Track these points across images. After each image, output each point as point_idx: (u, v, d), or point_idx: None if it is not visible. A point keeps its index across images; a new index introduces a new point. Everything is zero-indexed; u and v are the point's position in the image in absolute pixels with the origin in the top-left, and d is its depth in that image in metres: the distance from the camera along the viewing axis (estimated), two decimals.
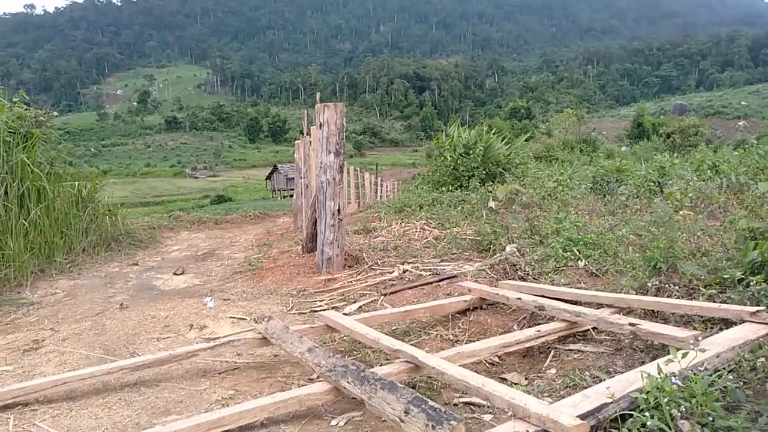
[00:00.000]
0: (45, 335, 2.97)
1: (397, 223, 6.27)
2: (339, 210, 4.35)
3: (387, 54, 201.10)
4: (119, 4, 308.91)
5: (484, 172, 8.88)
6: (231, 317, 3.27)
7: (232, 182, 75.25)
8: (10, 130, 6.78)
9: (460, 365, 1.91)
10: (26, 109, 7.54)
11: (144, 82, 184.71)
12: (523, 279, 3.28)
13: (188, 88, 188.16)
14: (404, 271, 3.93)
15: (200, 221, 12.66)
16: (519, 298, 2.65)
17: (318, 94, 5.91)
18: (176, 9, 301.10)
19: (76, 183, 7.68)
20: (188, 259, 7.10)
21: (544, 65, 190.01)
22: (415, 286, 3.50)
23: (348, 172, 12.75)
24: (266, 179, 63.32)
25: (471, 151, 9.04)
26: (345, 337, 2.67)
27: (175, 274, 5.93)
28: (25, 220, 6.18)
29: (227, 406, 1.86)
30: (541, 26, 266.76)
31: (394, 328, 2.78)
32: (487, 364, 2.26)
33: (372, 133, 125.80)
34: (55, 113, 9.04)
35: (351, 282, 3.94)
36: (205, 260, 6.96)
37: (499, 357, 2.32)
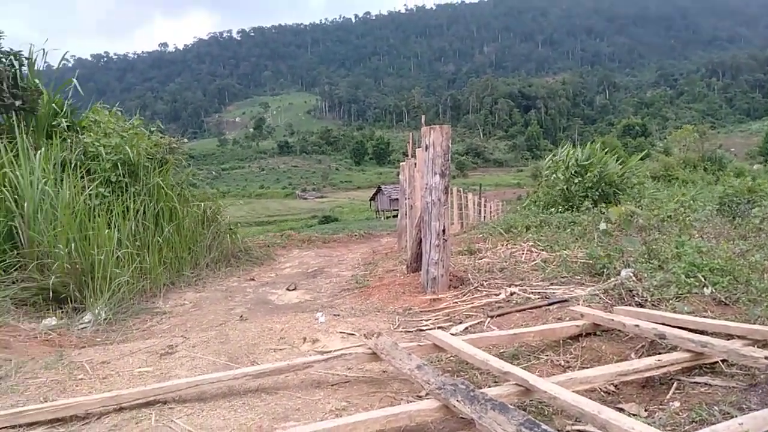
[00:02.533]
0: (177, 342, 3.27)
1: (502, 245, 6.18)
2: (444, 230, 4.39)
3: (491, 74, 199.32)
4: (239, 38, 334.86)
5: (597, 192, 8.51)
6: (341, 332, 3.40)
7: (338, 203, 77.97)
8: (148, 156, 7.58)
9: (572, 392, 1.86)
10: (161, 137, 8.41)
11: (259, 109, 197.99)
12: (640, 305, 3.11)
13: (299, 114, 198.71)
14: (511, 294, 3.87)
15: (310, 240, 13.24)
16: (637, 325, 2.52)
17: (423, 117, 6.01)
18: (289, 40, 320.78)
19: (202, 204, 8.39)
20: (299, 276, 7.45)
21: (661, 79, 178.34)
22: (523, 309, 3.43)
23: (451, 193, 12.76)
24: (370, 200, 64.95)
25: (585, 171, 8.70)
26: (452, 357, 2.68)
27: (288, 289, 6.26)
28: (159, 237, 6.84)
29: (340, 416, 1.95)
30: (657, 38, 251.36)
31: (501, 350, 2.74)
32: (602, 393, 2.16)
33: (475, 154, 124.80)
34: (185, 140, 9.97)
35: (456, 303, 3.95)
36: (315, 277, 7.27)
37: (615, 386, 2.21)
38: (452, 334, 2.76)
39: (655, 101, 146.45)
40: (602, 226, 4.96)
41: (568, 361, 2.54)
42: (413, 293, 4.50)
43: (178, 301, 5.98)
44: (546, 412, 1.99)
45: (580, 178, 8.68)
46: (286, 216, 64.99)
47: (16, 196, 5.17)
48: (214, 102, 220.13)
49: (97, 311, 4.77)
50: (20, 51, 6.95)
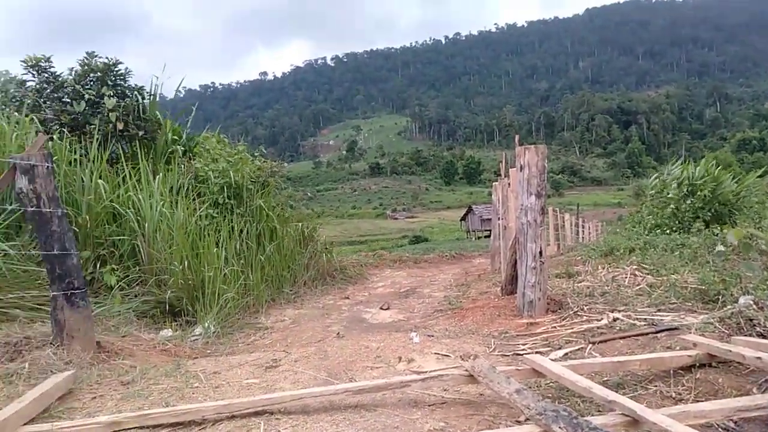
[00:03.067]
0: (280, 356, 3.43)
1: (603, 268, 5.91)
2: (541, 252, 4.29)
3: (586, 89, 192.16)
4: (332, 64, 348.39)
5: (709, 213, 7.92)
6: (436, 353, 3.41)
7: (428, 223, 78.02)
8: (251, 179, 8.06)
9: (686, 426, 1.75)
10: (264, 162, 8.92)
11: (352, 132, 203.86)
12: (763, 336, 2.86)
13: (390, 136, 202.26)
14: (614, 320, 3.70)
15: (401, 260, 13.37)
16: (759, 358, 2.32)
17: (516, 137, 5.95)
18: (380, 64, 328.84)
19: (300, 224, 8.78)
20: (392, 296, 7.55)
21: None
22: (628, 336, 3.27)
23: (546, 213, 12.36)
24: (461, 220, 64.40)
25: (696, 190, 8.13)
26: (551, 384, 2.61)
27: (381, 308, 6.36)
28: (262, 255, 7.22)
29: None
30: None
31: (605, 378, 2.63)
32: (720, 429, 2.02)
33: (571, 172, 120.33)
34: (285, 164, 10.52)
35: (555, 327, 3.83)
36: (407, 297, 7.34)
37: (735, 422, 2.05)
38: (552, 360, 2.68)
39: None
40: (719, 248, 4.62)
41: (679, 393, 2.39)
42: (509, 316, 4.42)
43: (279, 317, 6.27)
44: None
45: (691, 198, 8.12)
46: (377, 236, 66.03)
47: (138, 217, 5.68)
48: (310, 126, 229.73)
49: (206, 325, 5.12)
50: (143, 86, 7.70)
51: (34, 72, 7.10)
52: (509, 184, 6.95)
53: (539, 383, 2.63)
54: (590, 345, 3.26)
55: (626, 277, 5.15)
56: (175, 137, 8.02)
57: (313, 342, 4.38)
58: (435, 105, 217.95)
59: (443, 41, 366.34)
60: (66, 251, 3.55)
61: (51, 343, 3.49)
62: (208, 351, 4.48)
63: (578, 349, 3.21)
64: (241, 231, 7.10)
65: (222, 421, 2.24)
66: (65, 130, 6.47)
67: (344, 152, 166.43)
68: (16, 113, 6.00)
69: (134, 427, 2.19)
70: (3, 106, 6.20)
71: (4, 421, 2.09)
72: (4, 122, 5.55)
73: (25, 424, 2.21)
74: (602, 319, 3.80)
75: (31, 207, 3.48)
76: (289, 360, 3.30)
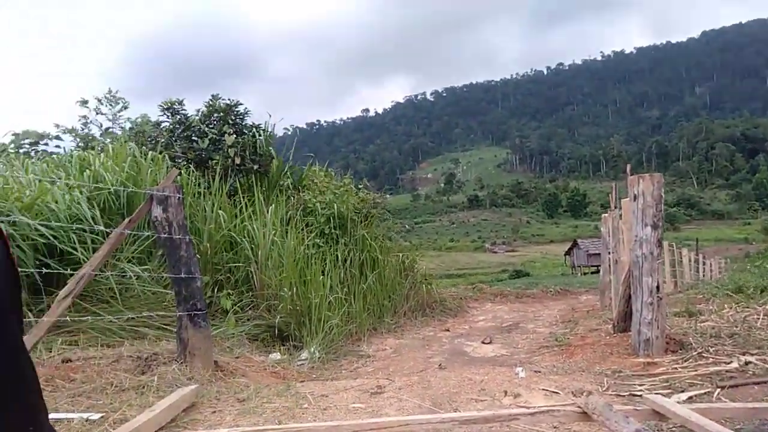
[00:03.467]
0: (384, 383, 3.47)
1: (730, 307, 5.40)
2: (658, 287, 4.02)
3: (704, 116, 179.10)
4: (432, 99, 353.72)
5: None
6: (543, 389, 3.28)
7: (530, 257, 75.58)
8: (355, 210, 8.33)
9: None
10: (367, 194, 9.20)
11: (450, 165, 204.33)
12: None
13: (489, 168, 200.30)
14: (746, 363, 3.36)
15: (502, 294, 13.03)
16: None
17: (628, 166, 5.68)
18: (479, 97, 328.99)
19: (401, 254, 8.89)
20: (494, 330, 7.37)
21: None
22: (764, 382, 2.95)
23: (662, 248, 11.54)
24: (565, 254, 61.73)
25: None
26: (674, 428, 2.41)
27: (483, 342, 6.24)
28: (364, 284, 7.39)
29: None
30: None
31: (738, 426, 2.39)
32: None
33: (688, 205, 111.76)
34: (387, 196, 10.77)
35: (676, 368, 3.54)
36: (510, 332, 7.13)
37: None
38: (676, 402, 2.49)
39: None
40: None
41: None
42: (622, 355, 4.15)
43: (380, 346, 6.34)
44: None
45: None
46: (476, 269, 64.89)
47: (252, 245, 6.06)
48: (408, 160, 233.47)
49: (312, 350, 5.30)
50: (259, 124, 8.31)
51: (169, 114, 7.92)
52: (620, 215, 6.61)
53: (660, 427, 2.45)
54: (718, 389, 2.98)
55: (759, 318, 4.66)
56: (285, 171, 8.51)
57: (415, 372, 4.39)
58: (536, 136, 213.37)
59: (545, 72, 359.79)
60: (192, 275, 3.87)
61: (176, 360, 3.78)
62: (314, 375, 4.62)
63: (704, 393, 2.95)
64: (345, 260, 7.32)
65: None
66: (191, 165, 7.11)
67: (442, 185, 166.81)
68: (151, 151, 6.69)
69: None
70: (141, 146, 6.94)
71: (140, 426, 2.30)
72: (141, 159, 6.23)
73: (156, 430, 2.41)
74: (731, 362, 3.46)
75: (164, 234, 3.85)
76: (393, 387, 3.33)
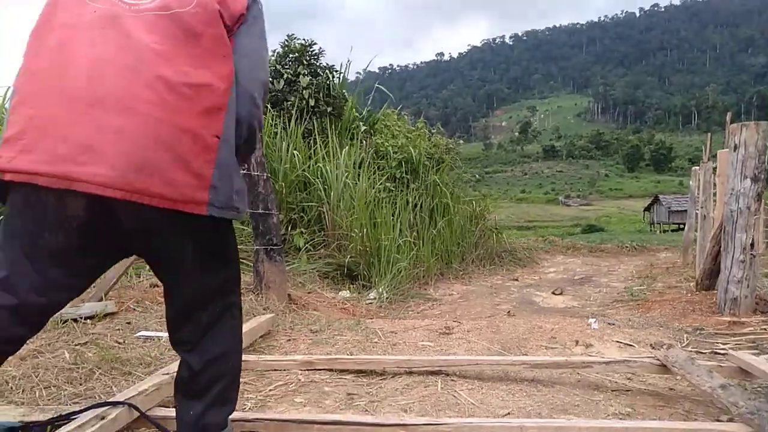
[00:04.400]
0: (452, 325, 3.49)
1: None
2: (752, 244, 3.75)
3: None
4: (511, 43, 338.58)
5: None
6: (617, 341, 3.19)
7: (605, 212, 72.69)
8: (427, 155, 8.24)
9: None
10: (440, 138, 9.05)
11: (526, 113, 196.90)
12: None
13: (567, 117, 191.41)
14: None
15: (574, 247, 12.69)
16: None
17: (728, 115, 5.22)
18: (563, 41, 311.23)
19: (473, 202, 8.78)
20: (564, 282, 7.22)
21: None
22: None
23: (761, 203, 10.68)
24: (644, 211, 58.84)
25: None
26: (760, 387, 2.29)
27: (553, 293, 6.13)
28: (433, 230, 7.39)
29: (625, 420, 1.85)
30: None
31: None
32: None
33: None
34: (461, 141, 10.53)
35: (765, 329, 3.33)
36: (582, 284, 6.96)
37: None
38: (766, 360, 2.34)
39: None
40: None
41: None
42: (705, 313, 3.95)
43: (447, 291, 6.38)
44: None
45: None
46: (547, 222, 63.32)
47: (325, 186, 6.16)
48: (483, 107, 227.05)
49: (380, 290, 5.41)
50: (333, 66, 8.27)
51: None
52: (714, 169, 6.15)
53: (744, 385, 2.32)
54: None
55: None
56: (357, 114, 8.49)
57: (483, 317, 4.39)
58: (622, 84, 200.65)
59: (637, 13, 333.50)
60: (268, 211, 3.99)
61: (252, 291, 3.97)
62: (382, 314, 4.74)
63: None
64: (416, 205, 7.32)
65: (401, 375, 2.35)
66: (268, 105, 7.23)
67: (517, 134, 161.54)
68: None
69: (323, 369, 2.41)
70: None
71: None
72: None
73: None
74: None
75: (243, 170, 3.97)
76: (462, 330, 3.35)
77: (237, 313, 1.46)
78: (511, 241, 10.31)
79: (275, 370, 2.40)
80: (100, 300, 3.28)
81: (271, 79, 7.82)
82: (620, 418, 1.89)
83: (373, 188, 6.67)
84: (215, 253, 1.36)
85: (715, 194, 6.01)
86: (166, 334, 2.94)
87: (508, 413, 1.96)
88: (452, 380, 2.30)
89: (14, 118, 1.18)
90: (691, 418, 1.96)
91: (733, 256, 3.79)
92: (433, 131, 9.21)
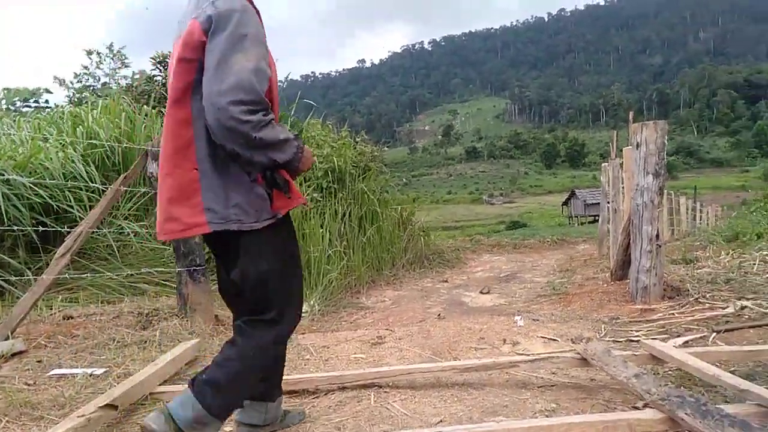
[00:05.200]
0: (385, 333, 3.52)
1: (727, 254, 5.43)
2: (657, 235, 4.02)
3: (707, 63, 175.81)
4: (430, 48, 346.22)
5: None
6: (542, 337, 3.32)
7: (527, 208, 75.69)
8: (353, 164, 8.25)
9: None
10: (365, 147, 9.09)
11: (448, 117, 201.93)
12: None
13: (487, 119, 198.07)
14: (742, 308, 3.39)
15: (499, 245, 13.11)
16: None
17: (631, 114, 5.58)
18: (478, 46, 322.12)
19: (399, 207, 8.88)
20: (491, 280, 7.44)
21: None
22: (759, 326, 2.99)
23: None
24: (563, 205, 61.87)
25: None
26: (670, 371, 2.46)
27: (481, 292, 6.29)
28: (363, 238, 7.41)
29: (551, 417, 1.92)
30: None
31: (732, 368, 2.43)
32: None
33: (687, 153, 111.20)
34: (385, 149, 10.64)
35: (672, 314, 3.58)
36: (507, 282, 7.20)
37: None
38: (673, 347, 2.52)
39: None
40: None
41: None
42: (620, 302, 4.20)
43: (379, 297, 6.40)
44: None
45: None
46: (473, 221, 65.05)
47: None
48: (406, 112, 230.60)
49: (312, 303, 5.35)
50: None
51: (162, 67, 7.73)
52: (621, 164, 6.56)
53: (657, 370, 2.49)
54: (714, 333, 3.02)
55: (755, 264, 4.70)
56: (283, 124, 8.36)
57: (415, 322, 4.43)
58: (536, 86, 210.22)
59: (546, 18, 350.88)
60: None
61: (176, 315, 3.82)
62: (314, 327, 4.68)
63: (700, 338, 2.99)
64: (344, 214, 7.30)
65: (334, 392, 2.33)
66: None
67: (440, 137, 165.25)
68: (145, 106, 6.56)
69: None
70: (134, 101, 6.80)
71: (144, 379, 2.32)
72: (136, 115, 6.12)
73: (160, 384, 2.44)
74: (728, 307, 3.50)
75: (154, 191, 3.81)
76: (394, 337, 3.37)
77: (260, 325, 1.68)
78: (439, 242, 10.51)
79: None
80: (7, 339, 3.03)
81: None
82: (546, 415, 1.96)
83: None
84: (232, 259, 1.62)
85: (623, 188, 6.40)
86: (82, 370, 2.77)
87: (441, 420, 1.99)
88: (385, 392, 2.31)
89: None
90: (611, 407, 2.07)
91: (641, 247, 4.05)
92: (357, 139, 9.23)
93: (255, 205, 1.53)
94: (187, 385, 1.64)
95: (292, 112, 9.15)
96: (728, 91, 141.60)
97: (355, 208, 7.73)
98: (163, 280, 4.83)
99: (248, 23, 1.47)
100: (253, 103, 1.41)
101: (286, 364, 2.87)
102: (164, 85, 7.59)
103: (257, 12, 1.56)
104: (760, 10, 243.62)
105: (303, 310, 5.18)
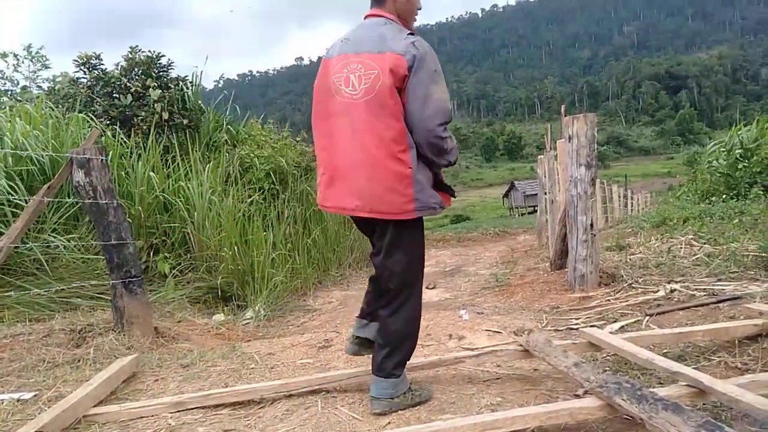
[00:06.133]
0: (332, 336, 3.48)
1: (656, 239, 5.72)
2: (592, 224, 4.17)
3: (632, 56, 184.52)
4: None
5: None
6: (486, 330, 3.39)
7: (469, 201, 77.10)
8: (295, 165, 8.14)
9: (756, 395, 1.67)
10: (306, 147, 8.98)
11: None
12: None
13: None
14: (672, 291, 3.57)
15: (444, 239, 13.32)
16: None
17: (562, 107, 5.77)
18: None
19: None
20: (437, 275, 7.53)
21: None
22: (688, 308, 3.15)
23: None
24: (503, 197, 63.44)
25: (751, 155, 7.73)
26: (608, 357, 2.55)
27: (427, 288, 6.35)
28: (308, 239, 7.32)
29: (496, 411, 1.95)
30: None
31: (665, 350, 2.55)
32: None
33: (617, 143, 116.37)
34: None
35: (608, 300, 3.73)
36: (453, 276, 7.31)
37: None
38: (609, 333, 2.61)
39: None
40: None
41: (746, 363, 2.29)
42: (559, 291, 4.34)
43: (326, 299, 6.35)
44: (724, 418, 1.82)
45: (745, 163, 7.72)
46: None
47: (187, 206, 5.83)
48: None
49: (257, 308, 5.24)
50: (186, 77, 7.85)
51: (86, 69, 7.34)
52: (556, 156, 6.77)
53: (595, 357, 2.58)
54: (647, 317, 3.16)
55: (682, 248, 4.97)
56: (218, 126, 8.14)
57: None
58: (473, 80, 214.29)
59: (480, 14, 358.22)
60: (123, 241, 3.67)
61: (113, 330, 3.64)
62: (260, 333, 4.58)
63: (635, 322, 3.13)
64: (288, 216, 7.19)
65: (280, 400, 2.29)
66: (116, 124, 6.67)
67: None
68: (69, 111, 6.21)
69: (197, 407, 2.27)
70: (58, 105, 6.43)
71: (77, 402, 2.20)
72: (60, 120, 5.78)
73: (95, 405, 2.31)
74: (658, 290, 3.68)
75: (89, 199, 3.61)
76: (341, 340, 3.34)
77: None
78: None
79: (141, 417, 2.21)
80: None
81: (117, 95, 7.24)
82: (492, 410, 1.99)
83: (242, 203, 6.44)
84: (397, 245, 2.10)
85: (559, 180, 6.61)
86: (8, 396, 2.58)
87: (389, 423, 1.98)
88: (333, 397, 2.28)
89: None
90: (553, 397, 2.13)
91: (577, 237, 4.19)
92: (298, 139, 9.10)
93: (438, 198, 2.09)
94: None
95: (230, 112, 8.94)
96: (652, 83, 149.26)
97: (299, 209, 7.63)
98: (97, 294, 4.60)
99: (437, 61, 2.04)
100: (447, 123, 1.98)
101: (230, 374, 2.81)
102: (90, 87, 7.22)
103: None
104: (675, 5, 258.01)
105: (247, 316, 5.06)
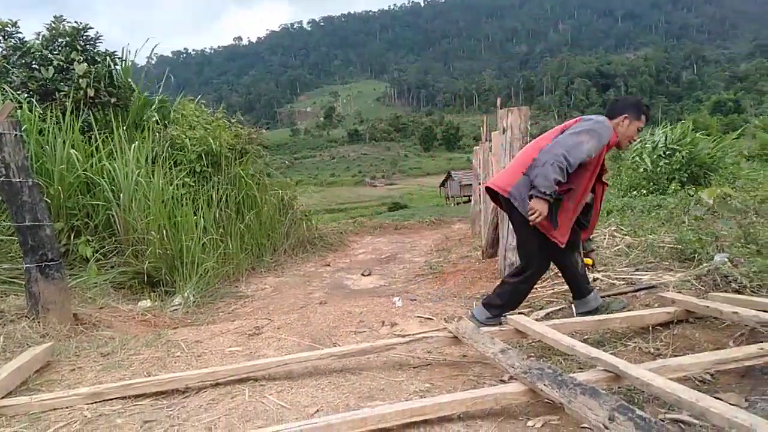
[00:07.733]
0: (263, 323, 3.42)
1: None
2: None
3: (566, 53, 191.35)
4: (309, 28, 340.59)
5: (685, 174, 8.01)
6: (418, 317, 3.43)
7: (407, 190, 77.95)
8: (229, 147, 7.88)
9: (665, 379, 1.78)
10: (241, 128, 8.71)
11: (330, 98, 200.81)
12: (738, 292, 2.92)
13: (368, 102, 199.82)
14: (594, 280, 3.74)
15: (381, 226, 13.36)
16: (736, 312, 2.37)
17: (498, 100, 5.90)
18: (358, 28, 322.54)
19: (279, 191, 8.67)
20: (373, 262, 7.56)
21: (757, 50, 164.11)
22: (608, 296, 3.32)
23: None
24: (440, 186, 64.51)
25: (672, 152, 8.20)
26: (534, 343, 2.64)
27: (362, 275, 6.37)
28: (241, 224, 7.14)
29: (424, 397, 1.98)
30: (753, 6, 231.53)
31: (585, 337, 2.67)
32: (697, 382, 2.06)
33: None
34: (263, 131, 10.29)
35: (536, 289, 3.86)
36: (388, 263, 7.35)
37: (711, 375, 2.10)
38: (534, 320, 2.71)
39: (750, 75, 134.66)
40: (694, 209, 4.69)
41: (658, 349, 2.43)
42: (490, 279, 4.45)
43: (260, 285, 6.24)
44: (637, 400, 1.92)
45: (666, 160, 8.20)
46: (357, 203, 65.79)
47: (113, 187, 5.54)
48: (286, 93, 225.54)
49: (186, 294, 5.07)
50: (115, 52, 7.40)
51: (1, 38, 6.77)
52: (491, 148, 6.92)
53: (522, 343, 2.66)
54: (571, 305, 3.30)
55: (605, 239, 5.20)
56: (149, 104, 7.75)
57: (296, 309, 4.37)
58: (414, 70, 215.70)
59: (422, 3, 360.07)
60: (38, 222, 3.45)
61: (26, 316, 3.42)
62: (189, 320, 4.44)
63: (559, 309, 3.26)
64: (220, 199, 6.98)
65: (206, 389, 2.22)
66: (34, 98, 6.21)
67: (322, 119, 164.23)
68: None
69: (116, 398, 2.16)
70: None
71: None
72: None
73: (2, 397, 2.16)
74: None
75: (0, 177, 3.35)
76: (272, 327, 3.29)
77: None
78: (322, 225, 10.45)
79: (54, 409, 2.08)
80: None
81: (37, 67, 6.74)
82: (420, 396, 2.02)
83: (171, 185, 6.18)
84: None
85: (493, 171, 6.76)
86: None
87: (318, 410, 1.96)
88: (261, 385, 2.24)
89: None
90: (480, 383, 2.18)
91: (507, 227, 4.30)
92: (232, 120, 8.81)
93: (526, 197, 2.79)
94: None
95: (162, 90, 8.53)
96: (583, 80, 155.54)
97: (233, 193, 7.41)
98: (10, 278, 4.30)
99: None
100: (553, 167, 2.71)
101: (153, 363, 2.70)
102: (5, 57, 6.68)
103: None
104: (608, 6, 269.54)
105: (175, 303, 4.88)
